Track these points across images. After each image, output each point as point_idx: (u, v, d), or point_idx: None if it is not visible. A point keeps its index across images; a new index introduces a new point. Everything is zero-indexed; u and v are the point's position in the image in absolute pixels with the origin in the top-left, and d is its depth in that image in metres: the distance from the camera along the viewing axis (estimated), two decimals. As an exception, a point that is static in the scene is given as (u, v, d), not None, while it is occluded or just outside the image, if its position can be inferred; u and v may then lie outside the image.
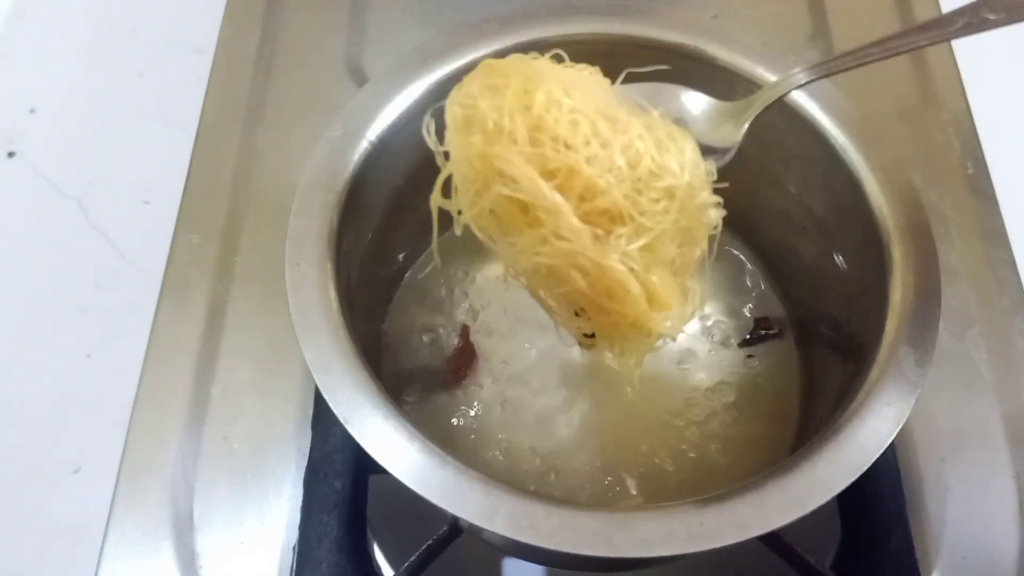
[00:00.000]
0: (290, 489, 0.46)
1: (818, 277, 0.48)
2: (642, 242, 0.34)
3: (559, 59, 0.37)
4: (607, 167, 0.33)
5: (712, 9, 0.64)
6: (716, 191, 0.37)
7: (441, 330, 0.50)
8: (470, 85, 0.35)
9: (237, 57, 0.61)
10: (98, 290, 0.59)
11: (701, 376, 0.49)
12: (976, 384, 0.50)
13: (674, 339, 0.39)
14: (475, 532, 0.42)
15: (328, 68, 0.61)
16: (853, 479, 0.34)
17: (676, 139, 0.36)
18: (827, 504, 0.34)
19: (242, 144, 0.57)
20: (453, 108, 0.35)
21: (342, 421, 0.35)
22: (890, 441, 0.35)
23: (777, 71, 0.43)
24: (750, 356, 0.49)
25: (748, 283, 0.52)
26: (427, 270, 0.50)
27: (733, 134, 0.40)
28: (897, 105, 0.60)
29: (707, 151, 0.37)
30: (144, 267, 0.59)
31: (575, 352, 0.48)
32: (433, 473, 0.34)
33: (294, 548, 0.45)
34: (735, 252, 0.52)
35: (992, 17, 0.36)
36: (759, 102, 0.40)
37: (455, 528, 0.43)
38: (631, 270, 0.34)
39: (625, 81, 0.37)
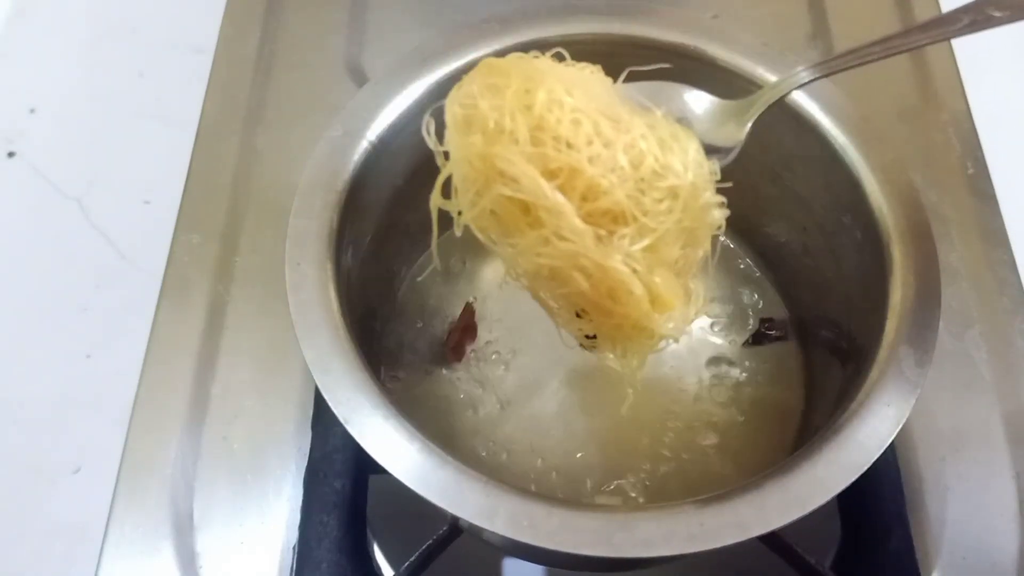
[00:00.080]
0: (290, 489, 0.46)
1: (818, 277, 0.48)
2: (645, 243, 0.34)
3: (560, 58, 0.36)
4: (610, 167, 0.33)
5: (712, 9, 0.64)
6: (719, 191, 0.36)
7: (441, 330, 0.50)
8: (470, 84, 0.35)
9: (237, 57, 0.61)
10: (98, 290, 0.59)
11: (702, 376, 0.49)
12: (976, 384, 0.50)
13: (677, 340, 0.39)
14: (475, 532, 0.42)
15: (328, 68, 0.61)
16: (853, 479, 0.34)
17: (679, 138, 0.35)
18: (827, 504, 0.34)
19: (242, 144, 0.57)
20: (453, 108, 0.35)
21: (342, 421, 0.35)
22: (890, 441, 0.35)
23: (777, 71, 0.43)
24: (752, 357, 0.49)
25: (748, 283, 0.52)
26: (427, 272, 0.50)
27: (736, 133, 0.39)
28: (897, 105, 0.60)
29: (710, 150, 0.37)
30: (144, 267, 0.59)
31: (576, 353, 0.48)
32: (433, 473, 0.34)
33: (294, 548, 0.45)
34: (735, 252, 0.52)
35: (997, 14, 0.36)
36: (762, 101, 0.40)
37: (455, 528, 0.43)
38: (634, 271, 0.34)
39: (627, 80, 0.37)
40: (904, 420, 0.36)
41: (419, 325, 0.50)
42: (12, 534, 0.51)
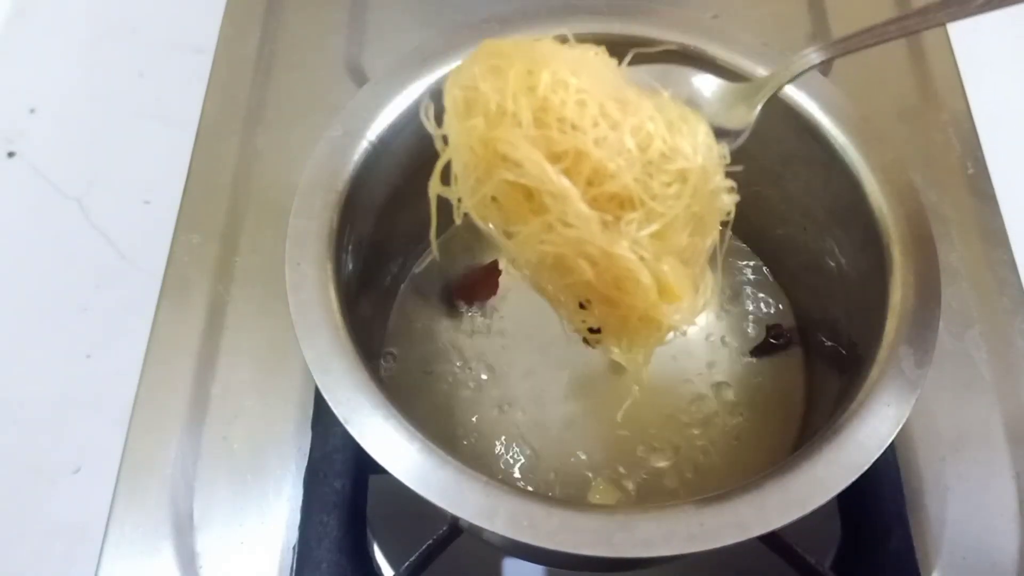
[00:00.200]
0: (290, 489, 0.46)
1: (818, 277, 0.48)
2: (653, 228, 0.33)
3: (563, 40, 0.35)
4: (617, 149, 0.32)
5: (712, 9, 0.64)
6: (729, 175, 0.35)
7: (441, 329, 0.50)
8: (470, 66, 0.33)
9: (237, 57, 0.61)
10: (98, 290, 0.59)
11: (703, 376, 0.49)
12: (976, 384, 0.50)
13: (684, 332, 0.38)
14: (475, 532, 0.42)
15: (328, 68, 0.61)
16: (853, 479, 0.34)
17: (688, 120, 0.34)
18: (827, 504, 0.34)
19: (242, 144, 0.57)
20: (452, 91, 0.34)
21: (342, 421, 0.35)
22: (890, 441, 0.35)
23: (777, 71, 0.43)
24: (754, 359, 0.49)
25: (748, 283, 0.52)
26: (426, 263, 0.49)
27: (746, 115, 0.38)
28: (897, 105, 0.60)
29: (719, 133, 0.36)
30: (144, 267, 0.59)
31: (578, 352, 0.48)
32: (433, 473, 0.34)
33: (294, 548, 0.45)
34: (734, 252, 0.52)
35: None
36: (772, 82, 0.38)
37: (455, 528, 0.43)
38: (641, 259, 0.33)
39: (632, 63, 0.36)
40: (904, 420, 0.36)
41: (418, 325, 0.50)
42: (12, 534, 0.51)
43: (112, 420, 0.49)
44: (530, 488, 0.45)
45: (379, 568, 0.46)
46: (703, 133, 0.34)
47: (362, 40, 0.62)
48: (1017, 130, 0.65)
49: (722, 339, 0.50)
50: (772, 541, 0.42)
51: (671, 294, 0.34)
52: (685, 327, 0.36)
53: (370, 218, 0.44)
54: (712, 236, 0.36)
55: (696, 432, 0.47)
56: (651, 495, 0.45)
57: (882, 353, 0.38)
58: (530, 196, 0.33)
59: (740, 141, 0.38)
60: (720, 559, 0.40)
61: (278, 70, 0.60)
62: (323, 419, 0.47)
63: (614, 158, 0.32)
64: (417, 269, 0.51)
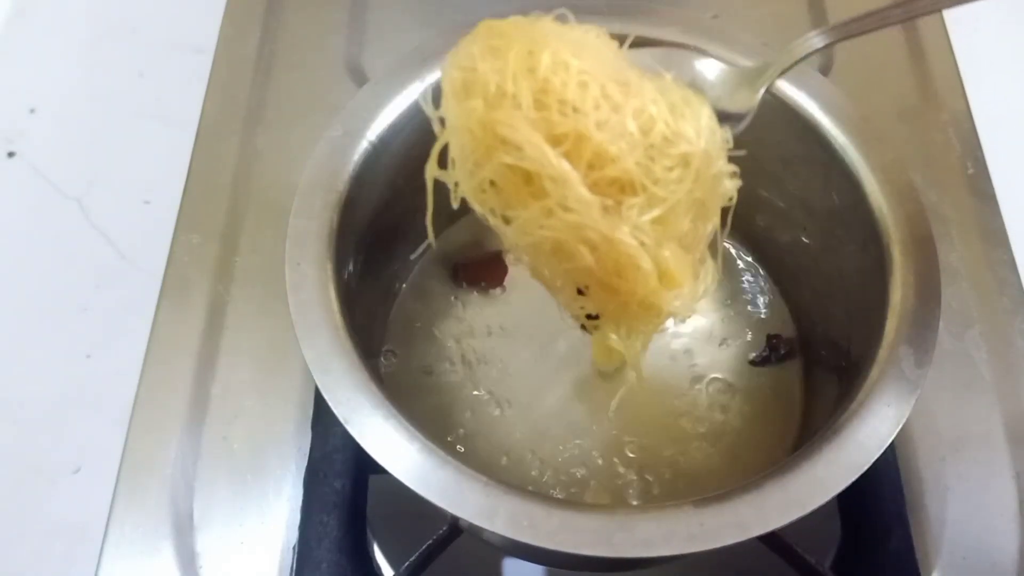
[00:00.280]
0: (290, 489, 0.46)
1: (818, 277, 0.48)
2: (655, 213, 0.32)
3: (564, 20, 0.34)
4: (618, 132, 0.31)
5: (712, 9, 0.64)
6: (731, 159, 0.35)
7: (441, 329, 0.50)
8: (469, 47, 0.33)
9: (237, 57, 0.61)
10: (98, 290, 0.59)
11: (703, 376, 0.49)
12: (976, 384, 0.50)
13: (684, 319, 0.37)
14: (475, 532, 0.42)
15: (328, 68, 0.61)
16: (853, 479, 0.34)
17: (691, 103, 0.33)
18: (827, 504, 0.34)
19: (242, 144, 0.57)
20: (451, 72, 0.33)
21: (342, 421, 0.35)
22: (890, 441, 0.35)
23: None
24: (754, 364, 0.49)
25: (747, 282, 0.52)
26: (421, 247, 0.47)
27: (749, 99, 0.38)
28: (897, 105, 0.60)
29: (722, 117, 0.35)
30: (144, 267, 0.59)
31: (578, 352, 0.48)
32: (433, 473, 0.34)
33: (294, 548, 0.45)
34: (734, 251, 0.52)
35: None
36: (776, 66, 0.38)
37: (455, 528, 0.43)
38: (642, 244, 0.32)
39: (634, 45, 0.35)
40: (904, 420, 0.36)
41: (418, 325, 0.50)
42: (12, 534, 0.51)
43: (112, 420, 0.49)
44: (530, 488, 0.45)
45: (379, 568, 0.46)
46: (706, 116, 0.34)
47: (362, 40, 0.62)
48: (1017, 130, 0.65)
49: (723, 340, 0.50)
50: (772, 541, 0.42)
51: (672, 280, 0.34)
52: (685, 314, 0.36)
53: (370, 218, 0.44)
54: (713, 222, 0.35)
55: (697, 433, 0.47)
56: (652, 495, 0.45)
57: (882, 353, 0.38)
58: (529, 180, 0.32)
59: (743, 125, 0.37)
60: (720, 559, 0.40)
61: (278, 70, 0.60)
62: (323, 419, 0.47)
63: (615, 141, 0.31)
64: (412, 255, 0.50)
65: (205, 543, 0.45)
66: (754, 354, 0.49)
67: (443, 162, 0.34)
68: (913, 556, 0.44)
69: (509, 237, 0.34)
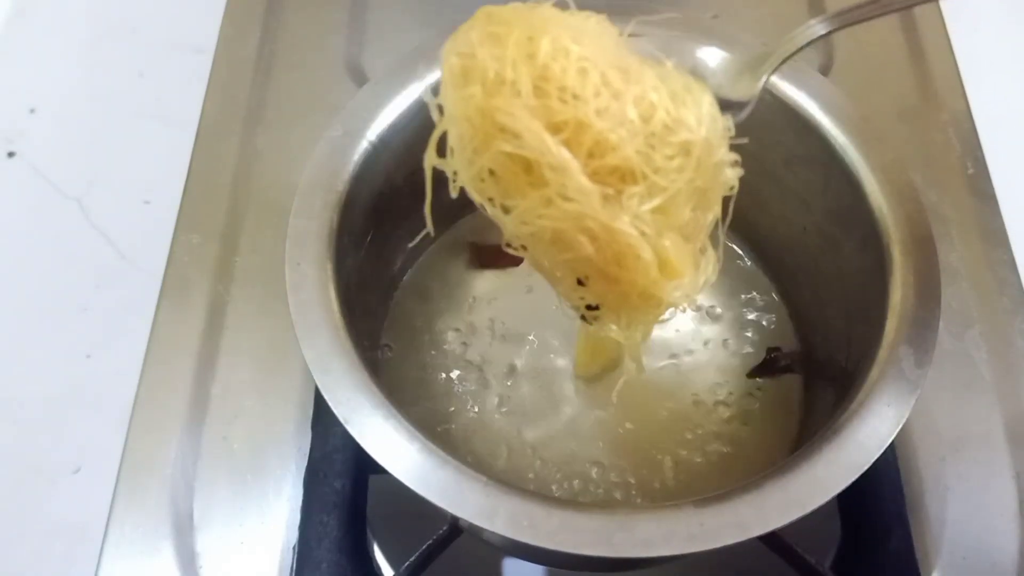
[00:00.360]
0: (290, 489, 0.46)
1: (818, 277, 0.48)
2: (656, 202, 0.32)
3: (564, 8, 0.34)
4: (619, 120, 0.31)
5: (712, 9, 0.64)
6: (733, 148, 0.34)
7: (441, 329, 0.50)
8: (467, 32, 0.32)
9: (237, 57, 0.61)
10: (98, 290, 0.59)
11: (702, 375, 0.49)
12: (976, 384, 0.50)
13: (684, 310, 0.37)
14: (475, 532, 0.42)
15: (328, 68, 0.61)
16: (853, 479, 0.34)
17: (692, 91, 0.33)
18: (827, 504, 0.34)
19: (242, 144, 0.57)
20: (449, 58, 0.32)
21: (342, 421, 0.35)
22: (890, 441, 0.35)
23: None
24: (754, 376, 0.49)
25: (746, 283, 0.52)
26: (419, 237, 0.48)
27: (751, 87, 0.37)
28: (897, 105, 0.60)
29: (724, 105, 0.34)
30: (144, 267, 0.59)
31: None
32: (433, 473, 0.34)
33: (294, 548, 0.45)
34: (734, 251, 0.52)
35: None
36: (778, 54, 0.37)
37: (455, 528, 0.43)
38: (642, 234, 0.32)
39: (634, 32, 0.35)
40: (904, 420, 0.36)
41: (418, 323, 0.50)
42: (12, 534, 0.51)
43: (112, 420, 0.49)
44: (531, 488, 0.45)
45: (379, 568, 0.46)
46: (707, 104, 0.33)
47: (362, 40, 0.62)
48: (1017, 130, 0.65)
49: (721, 340, 0.50)
50: (772, 541, 0.42)
51: (672, 270, 0.33)
52: (686, 304, 0.35)
53: (370, 218, 0.44)
54: (714, 211, 0.35)
55: (697, 433, 0.47)
56: (652, 495, 0.45)
57: (882, 353, 0.38)
58: (529, 169, 0.32)
59: (745, 113, 0.37)
60: (720, 559, 0.40)
61: (278, 70, 0.60)
62: (323, 419, 0.47)
63: (616, 129, 0.31)
64: (411, 244, 0.49)
65: (205, 543, 0.45)
66: (753, 366, 0.49)
67: (442, 151, 0.34)
68: (913, 556, 0.44)
69: (508, 227, 0.34)
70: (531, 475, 0.46)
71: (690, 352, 0.49)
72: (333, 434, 0.46)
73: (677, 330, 0.50)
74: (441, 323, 0.50)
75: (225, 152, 0.57)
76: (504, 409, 0.47)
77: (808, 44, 0.37)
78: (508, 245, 0.35)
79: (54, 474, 0.53)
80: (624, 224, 0.32)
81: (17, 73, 0.69)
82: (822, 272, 0.47)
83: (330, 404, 0.35)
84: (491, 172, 0.33)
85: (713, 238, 0.36)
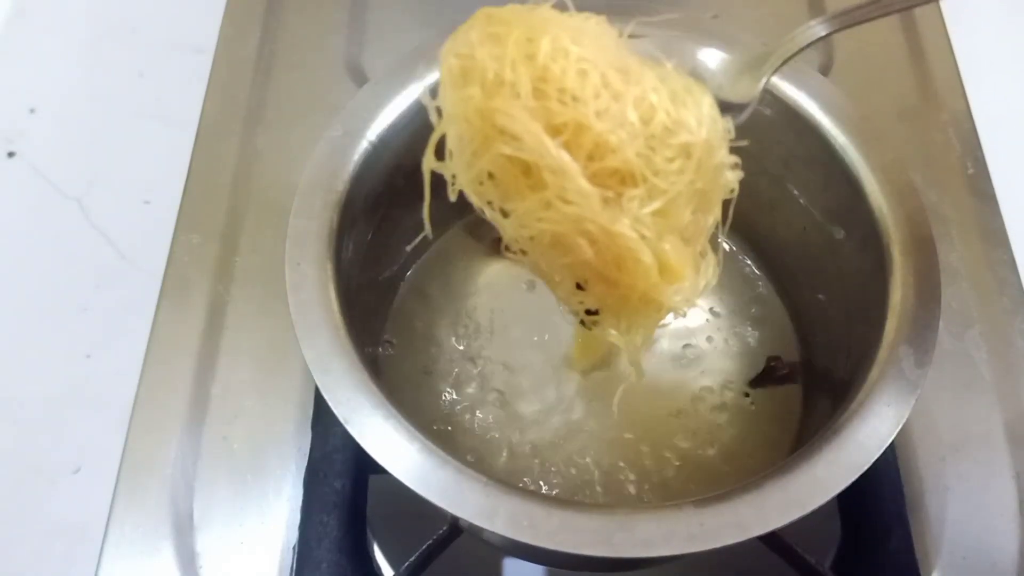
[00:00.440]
0: (290, 489, 0.46)
1: (818, 277, 0.48)
2: (656, 205, 0.32)
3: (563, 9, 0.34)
4: (619, 122, 0.30)
5: (712, 9, 0.64)
6: (733, 150, 0.34)
7: (441, 329, 0.50)
8: (467, 33, 0.32)
9: (237, 57, 0.61)
10: (98, 290, 0.59)
11: (702, 376, 0.49)
12: (976, 384, 0.50)
13: (684, 314, 0.36)
14: (475, 532, 0.42)
15: (328, 68, 0.61)
16: (853, 479, 0.34)
17: (692, 92, 0.33)
18: (827, 504, 0.34)
19: (242, 144, 0.57)
20: (448, 59, 0.32)
21: (342, 421, 0.35)
22: (890, 441, 0.35)
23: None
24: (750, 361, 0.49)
25: (746, 283, 0.52)
26: (417, 239, 0.47)
27: (751, 88, 0.37)
28: (897, 105, 0.60)
29: (723, 107, 0.34)
30: (144, 267, 0.59)
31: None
32: (433, 473, 0.34)
33: (294, 548, 0.45)
34: (733, 252, 0.52)
35: None
36: (778, 55, 0.37)
37: (455, 528, 0.43)
38: (643, 237, 0.32)
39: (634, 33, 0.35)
40: (904, 420, 0.36)
41: (418, 324, 0.50)
42: (12, 534, 0.51)
43: (112, 420, 0.49)
44: (531, 487, 0.45)
45: (379, 568, 0.46)
46: (708, 105, 0.33)
47: (362, 40, 0.62)
48: (1017, 130, 0.65)
49: (721, 340, 0.50)
50: (772, 541, 0.42)
51: (673, 274, 0.33)
52: (686, 307, 0.35)
53: (370, 218, 0.44)
54: (715, 214, 0.35)
55: (697, 433, 0.47)
56: (652, 495, 0.45)
57: (882, 353, 0.38)
58: (528, 171, 0.31)
59: (745, 115, 0.37)
60: (720, 559, 0.40)
61: (278, 70, 0.60)
62: (323, 419, 0.47)
63: (616, 131, 0.31)
64: (408, 246, 0.49)
65: (205, 543, 0.45)
66: (753, 376, 0.49)
67: (441, 154, 0.34)
68: (913, 556, 0.44)
69: (507, 230, 0.34)
70: (530, 475, 0.46)
71: (690, 351, 0.49)
72: (333, 434, 0.46)
73: (677, 329, 0.50)
74: (441, 322, 0.50)
75: (225, 152, 0.57)
76: (504, 409, 0.47)
77: (808, 46, 0.37)
78: (507, 248, 0.35)
79: (54, 474, 0.53)
80: (624, 227, 0.31)
81: (17, 73, 0.69)
82: (822, 272, 0.47)
83: (330, 404, 0.35)
84: (490, 175, 0.33)
85: (713, 241, 0.36)
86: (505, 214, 0.33)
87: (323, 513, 0.44)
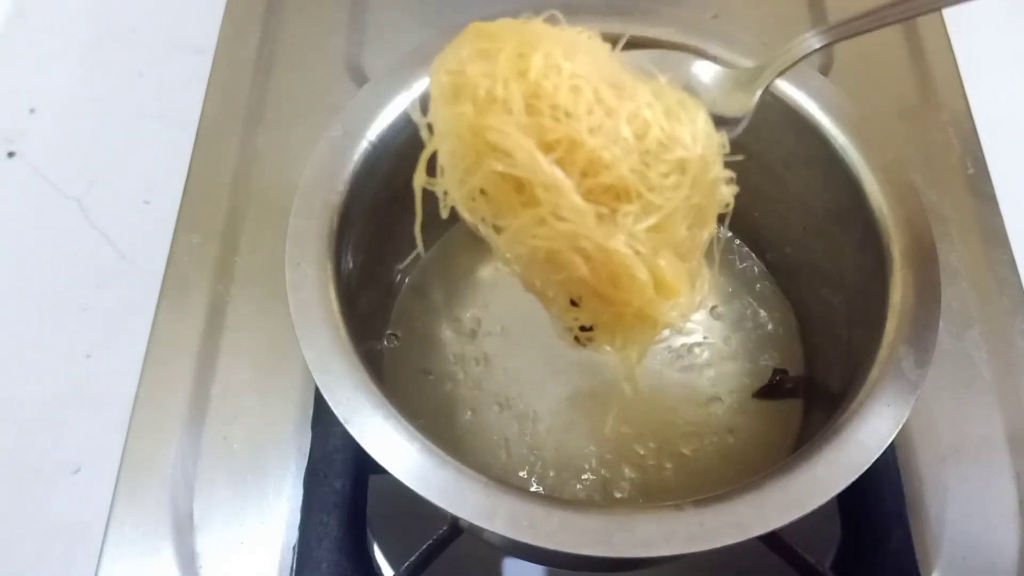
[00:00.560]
0: (290, 489, 0.46)
1: (818, 277, 0.48)
2: (651, 221, 0.31)
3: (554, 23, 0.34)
4: (612, 138, 0.30)
5: (712, 9, 0.64)
6: (728, 165, 0.34)
7: (441, 329, 0.50)
8: (457, 49, 0.32)
9: (237, 57, 0.61)
10: (98, 290, 0.59)
11: (702, 375, 0.49)
12: (976, 384, 0.50)
13: (680, 329, 0.36)
14: (475, 532, 0.42)
15: (328, 68, 0.61)
16: (853, 479, 0.34)
17: (687, 107, 0.33)
18: (827, 504, 0.34)
19: (242, 144, 0.57)
20: (439, 76, 0.32)
21: (342, 421, 0.35)
22: (890, 441, 0.35)
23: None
24: (749, 358, 0.49)
25: (746, 283, 0.52)
26: (410, 258, 0.45)
27: (745, 102, 0.37)
28: (897, 105, 0.60)
29: (718, 121, 0.34)
30: (144, 267, 0.59)
31: (579, 352, 0.48)
32: (433, 473, 0.34)
33: (294, 548, 0.45)
34: (733, 252, 0.52)
35: None
36: (773, 67, 0.37)
37: (455, 528, 0.43)
38: (638, 253, 0.32)
39: (627, 47, 0.35)
40: (904, 420, 0.36)
41: (418, 324, 0.50)
42: (12, 534, 0.51)
43: (112, 420, 0.49)
44: (531, 488, 0.45)
45: (379, 568, 0.46)
46: (702, 120, 0.33)
47: (362, 40, 0.62)
48: (1017, 130, 0.65)
49: (720, 339, 0.50)
50: (772, 541, 0.42)
51: (668, 290, 0.33)
52: (681, 323, 0.35)
53: (370, 218, 0.44)
54: (710, 229, 0.35)
55: (697, 432, 0.47)
56: (652, 495, 0.45)
57: (882, 353, 0.38)
58: (521, 188, 0.31)
59: (740, 129, 0.37)
60: (720, 559, 0.40)
61: (278, 70, 0.60)
62: (323, 419, 0.47)
63: (609, 147, 0.30)
64: (400, 265, 0.49)
65: (205, 543, 0.45)
66: (759, 388, 0.48)
67: (432, 170, 0.34)
68: (913, 556, 0.44)
69: (500, 247, 0.34)
70: (530, 475, 0.46)
71: (691, 351, 0.49)
72: (333, 434, 0.46)
73: (678, 329, 0.50)
74: (441, 322, 0.50)
75: (225, 152, 0.57)
76: (504, 408, 0.47)
77: (802, 59, 0.37)
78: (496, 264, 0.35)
79: (54, 474, 0.53)
80: (619, 243, 0.31)
81: (17, 73, 0.69)
82: (822, 272, 0.47)
83: (330, 404, 0.35)
84: (483, 191, 0.32)
85: (708, 256, 0.36)
86: (498, 230, 0.33)
87: (323, 513, 0.44)
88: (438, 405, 0.48)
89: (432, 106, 0.33)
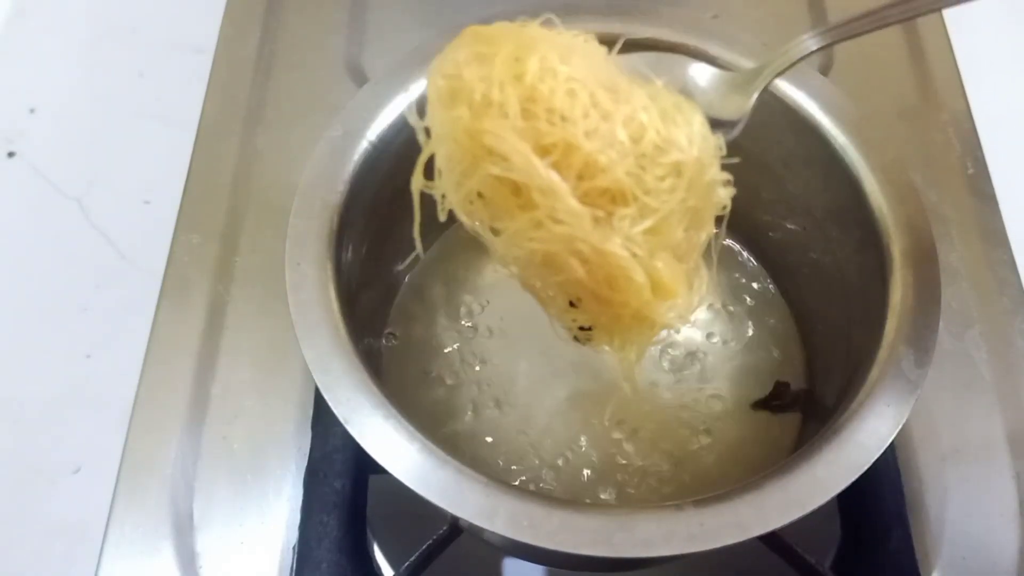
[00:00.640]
0: (290, 489, 0.46)
1: (818, 277, 0.48)
2: (647, 224, 0.32)
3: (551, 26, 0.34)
4: (608, 141, 0.30)
5: (712, 9, 0.64)
6: (725, 167, 0.34)
7: (440, 330, 0.50)
8: (454, 53, 0.32)
9: (237, 57, 0.61)
10: (98, 290, 0.59)
11: (702, 374, 0.49)
12: (976, 384, 0.50)
13: (678, 330, 0.37)
14: (475, 532, 0.42)
15: (328, 68, 0.61)
16: (853, 479, 0.34)
17: (683, 110, 0.33)
18: (827, 504, 0.34)
19: (242, 144, 0.57)
20: (435, 80, 0.32)
21: (342, 421, 0.35)
22: (890, 441, 0.35)
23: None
24: (748, 356, 0.49)
25: (745, 283, 0.52)
26: (409, 259, 0.45)
27: (742, 105, 0.37)
28: (897, 105, 0.60)
29: (715, 124, 0.34)
30: (144, 267, 0.59)
31: (579, 352, 0.48)
32: (433, 473, 0.34)
33: (294, 548, 0.45)
34: (733, 252, 0.52)
35: None
36: (769, 70, 0.37)
37: (455, 528, 0.43)
38: (634, 255, 0.32)
39: (623, 50, 0.35)
40: (904, 420, 0.36)
41: (418, 324, 0.50)
42: (12, 534, 0.51)
43: (112, 420, 0.49)
44: (530, 487, 0.45)
45: (379, 568, 0.46)
46: (698, 123, 0.33)
47: (362, 40, 0.62)
48: (1017, 130, 0.65)
49: (726, 341, 0.50)
50: (772, 541, 0.42)
51: (665, 291, 0.33)
52: (679, 324, 0.35)
53: (370, 218, 0.44)
54: (707, 231, 0.35)
55: (697, 432, 0.47)
56: (652, 495, 0.45)
57: (882, 353, 0.38)
58: (518, 191, 0.31)
59: (736, 132, 0.37)
60: (720, 559, 0.40)
61: (278, 70, 0.60)
62: (323, 419, 0.47)
63: (606, 151, 0.31)
64: (399, 267, 0.50)
65: (205, 543, 0.45)
66: (758, 399, 0.48)
67: (430, 173, 0.34)
68: (913, 556, 0.44)
69: (498, 249, 0.34)
70: (530, 474, 0.46)
71: (690, 351, 0.49)
72: (333, 434, 0.46)
73: (677, 329, 0.50)
74: (441, 322, 0.50)
75: (225, 152, 0.57)
76: (503, 408, 0.47)
77: (800, 60, 0.37)
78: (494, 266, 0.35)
79: (54, 474, 0.53)
80: (615, 246, 0.31)
81: (17, 73, 0.69)
82: (822, 272, 0.47)
83: (330, 404, 0.35)
84: (480, 195, 0.32)
85: (706, 257, 0.36)
86: (496, 233, 0.33)
87: (323, 513, 0.44)
88: (438, 405, 0.48)
89: (429, 110, 0.33)
